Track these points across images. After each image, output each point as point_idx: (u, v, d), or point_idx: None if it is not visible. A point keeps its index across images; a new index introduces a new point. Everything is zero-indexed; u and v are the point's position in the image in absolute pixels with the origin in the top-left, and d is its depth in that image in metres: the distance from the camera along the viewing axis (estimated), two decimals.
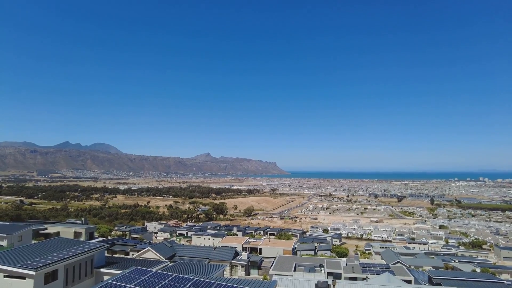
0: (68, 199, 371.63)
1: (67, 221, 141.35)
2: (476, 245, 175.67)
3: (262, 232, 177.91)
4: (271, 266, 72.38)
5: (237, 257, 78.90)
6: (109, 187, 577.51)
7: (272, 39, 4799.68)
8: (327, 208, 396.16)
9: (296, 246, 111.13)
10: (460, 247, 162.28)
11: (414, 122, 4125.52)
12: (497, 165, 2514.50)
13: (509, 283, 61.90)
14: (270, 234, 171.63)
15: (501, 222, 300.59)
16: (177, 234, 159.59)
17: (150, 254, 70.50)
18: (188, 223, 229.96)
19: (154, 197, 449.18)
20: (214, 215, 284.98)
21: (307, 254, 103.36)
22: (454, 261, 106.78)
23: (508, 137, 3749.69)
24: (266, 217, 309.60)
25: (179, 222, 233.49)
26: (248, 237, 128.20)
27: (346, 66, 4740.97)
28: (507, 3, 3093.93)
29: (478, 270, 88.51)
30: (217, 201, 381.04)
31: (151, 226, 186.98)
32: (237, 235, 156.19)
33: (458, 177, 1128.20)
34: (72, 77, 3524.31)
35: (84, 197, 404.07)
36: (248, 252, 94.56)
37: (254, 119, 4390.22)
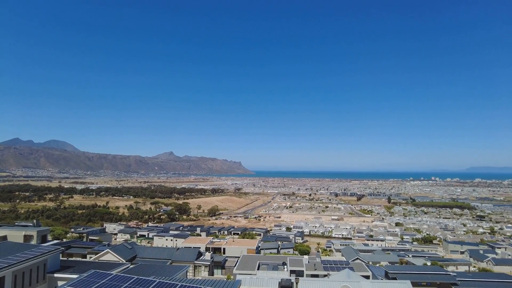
0: (17, 200, 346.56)
1: (16, 223, 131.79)
2: (428, 240, 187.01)
3: (226, 232, 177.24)
4: (235, 265, 72.30)
5: (201, 258, 77.95)
6: (65, 186, 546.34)
7: (239, 44, 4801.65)
8: (290, 207, 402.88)
9: (260, 245, 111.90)
10: (414, 243, 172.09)
11: (372, 126, 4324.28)
12: (447, 165, 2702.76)
13: (455, 274, 67.02)
14: (234, 234, 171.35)
15: (449, 218, 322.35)
16: (138, 235, 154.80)
17: (110, 256, 67.70)
18: (150, 224, 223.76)
19: (114, 197, 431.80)
20: (177, 216, 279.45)
21: (271, 253, 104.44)
22: (408, 256, 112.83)
23: (456, 140, 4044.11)
24: (231, 216, 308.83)
25: (140, 223, 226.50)
26: (212, 237, 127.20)
27: (309, 70, 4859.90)
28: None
29: (428, 263, 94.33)
30: (180, 201, 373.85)
31: (110, 227, 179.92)
32: (200, 235, 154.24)
33: (413, 177, 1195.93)
34: (23, 71, 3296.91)
35: (36, 198, 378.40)
36: (211, 252, 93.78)
37: (219, 119, 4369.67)
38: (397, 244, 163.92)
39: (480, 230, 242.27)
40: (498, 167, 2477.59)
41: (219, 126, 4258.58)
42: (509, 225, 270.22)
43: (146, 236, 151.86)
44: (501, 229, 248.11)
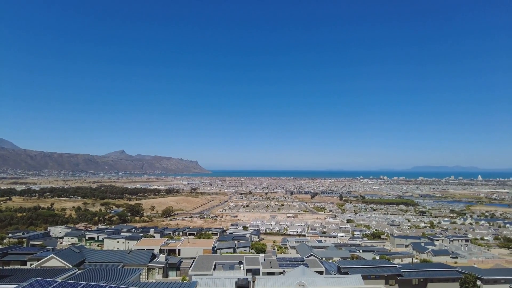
0: None
1: None
2: (376, 235, 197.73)
3: (181, 233, 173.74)
4: (191, 266, 70.97)
5: (155, 260, 75.43)
6: (1, 187, 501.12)
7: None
8: (247, 206, 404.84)
9: (216, 245, 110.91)
10: (364, 238, 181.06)
11: (325, 128, 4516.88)
12: (394, 165, 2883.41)
13: (400, 266, 71.92)
14: (189, 234, 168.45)
15: (396, 214, 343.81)
16: (87, 238, 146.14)
17: (54, 262, 63.04)
18: (100, 226, 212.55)
19: (60, 198, 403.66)
20: (129, 217, 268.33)
21: (227, 252, 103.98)
22: (359, 251, 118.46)
23: (402, 142, 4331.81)
24: (186, 217, 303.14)
25: (89, 225, 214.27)
26: (166, 239, 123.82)
27: (260, 66, 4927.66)
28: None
29: (377, 257, 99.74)
30: (133, 202, 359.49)
31: (55, 230, 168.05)
32: (154, 237, 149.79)
33: (363, 176, 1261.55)
34: None
35: None
36: (166, 254, 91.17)
37: (173, 117, 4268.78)
38: (349, 240, 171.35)
39: (422, 224, 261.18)
40: (437, 166, 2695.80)
41: (174, 124, 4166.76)
42: (446, 219, 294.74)
43: (96, 239, 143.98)
44: (439, 223, 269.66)
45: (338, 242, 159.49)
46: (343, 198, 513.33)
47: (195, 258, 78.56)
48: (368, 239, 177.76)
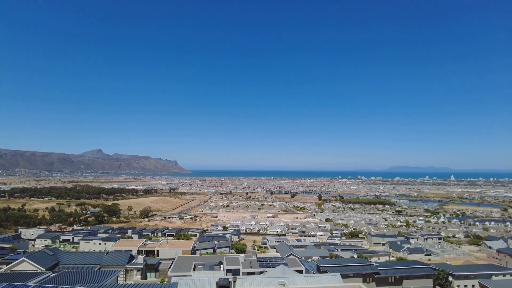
0: None
1: None
2: (355, 234, 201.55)
3: (160, 234, 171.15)
4: (170, 267, 70.01)
5: (133, 261, 73.90)
6: None
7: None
8: (228, 206, 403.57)
9: (195, 245, 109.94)
10: (342, 237, 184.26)
11: (305, 129, 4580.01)
12: (372, 165, 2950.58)
13: (377, 264, 73.54)
14: (168, 235, 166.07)
15: (373, 213, 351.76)
16: (61, 240, 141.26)
17: (26, 265, 60.59)
18: (75, 227, 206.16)
19: (32, 198, 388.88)
20: (105, 218, 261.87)
21: (207, 253, 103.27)
22: (338, 249, 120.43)
23: (379, 142, 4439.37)
24: (165, 217, 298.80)
25: (63, 227, 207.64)
26: (145, 240, 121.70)
27: (245, 67, 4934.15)
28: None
29: (355, 256, 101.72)
30: (110, 203, 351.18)
31: (27, 232, 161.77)
32: (132, 238, 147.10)
33: (341, 176, 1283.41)
34: None
35: None
36: (144, 255, 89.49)
37: (152, 115, 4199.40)
38: (328, 239, 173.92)
39: (398, 223, 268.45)
40: (413, 166, 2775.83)
41: (153, 123, 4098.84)
42: (421, 218, 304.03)
43: (71, 241, 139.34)
44: (414, 222, 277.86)
45: (317, 241, 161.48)
46: (322, 198, 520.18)
47: (174, 259, 77.59)
48: (347, 238, 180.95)
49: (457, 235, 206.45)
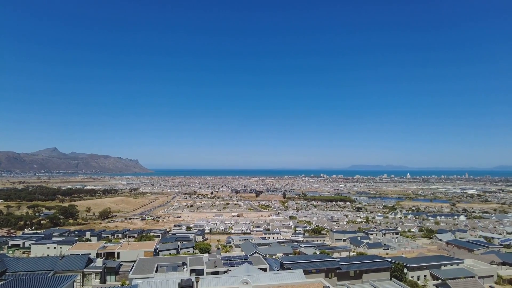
0: None
1: None
2: (317, 231, 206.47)
3: (120, 235, 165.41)
4: (131, 270, 67.77)
5: (91, 265, 70.63)
6: None
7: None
8: (192, 206, 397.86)
9: (158, 246, 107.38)
10: (305, 234, 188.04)
11: (268, 129, 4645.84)
12: (333, 164, 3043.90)
13: (338, 259, 75.96)
14: (129, 237, 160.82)
15: (335, 210, 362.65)
16: (10, 245, 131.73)
17: None
18: (26, 231, 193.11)
19: None
20: (61, 220, 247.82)
21: (170, 254, 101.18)
22: (301, 246, 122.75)
23: (339, 141, 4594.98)
24: (126, 218, 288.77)
25: (12, 231, 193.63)
26: (104, 242, 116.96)
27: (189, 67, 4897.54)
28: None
29: (318, 252, 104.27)
30: (66, 204, 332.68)
31: None
32: (90, 240, 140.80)
33: (305, 174, 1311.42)
34: None
35: None
36: (104, 258, 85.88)
37: (111, 112, 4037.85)
38: (291, 236, 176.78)
39: (358, 219, 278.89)
40: (372, 165, 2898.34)
41: (112, 121, 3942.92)
42: (379, 214, 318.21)
43: (21, 246, 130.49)
44: (373, 218, 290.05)
45: (281, 239, 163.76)
46: (286, 196, 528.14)
47: (135, 261, 75.25)
48: (309, 235, 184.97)
49: (412, 230, 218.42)
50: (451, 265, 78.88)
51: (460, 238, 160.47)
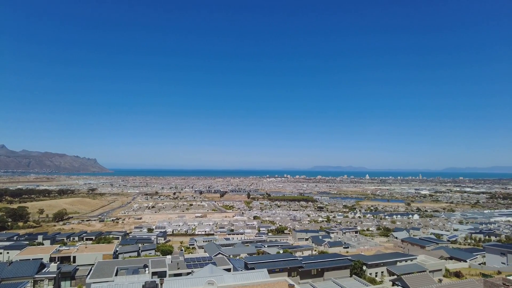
0: None
1: None
2: (280, 230, 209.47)
3: (77, 238, 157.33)
4: (88, 274, 64.66)
5: (44, 270, 66.38)
6: None
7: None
8: (153, 207, 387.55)
9: (118, 249, 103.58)
10: (269, 234, 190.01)
11: (236, 129, 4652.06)
12: (297, 164, 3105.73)
13: (301, 258, 77.51)
14: (87, 239, 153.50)
15: (298, 210, 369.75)
16: None
17: None
18: None
19: None
20: (9, 223, 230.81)
21: (130, 256, 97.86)
22: (264, 246, 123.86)
23: (302, 142, 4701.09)
24: (83, 220, 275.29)
25: None
26: (59, 245, 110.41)
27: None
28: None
29: (281, 251, 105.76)
30: (15, 205, 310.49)
31: None
32: (43, 244, 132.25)
33: (269, 174, 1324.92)
34: None
35: None
36: (58, 262, 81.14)
37: (66, 107, 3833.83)
38: (255, 236, 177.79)
39: (320, 219, 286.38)
40: (334, 166, 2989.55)
41: (68, 117, 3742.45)
42: (340, 213, 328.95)
43: None
44: (334, 217, 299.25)
45: (245, 239, 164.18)
46: (251, 196, 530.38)
47: (93, 264, 71.91)
48: (273, 235, 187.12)
49: (370, 228, 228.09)
50: (406, 261, 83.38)
51: (414, 235, 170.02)
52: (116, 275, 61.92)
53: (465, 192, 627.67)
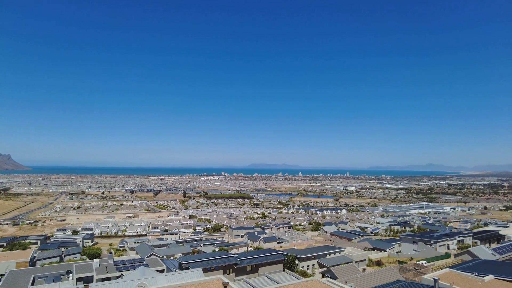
0: None
1: None
2: (217, 228, 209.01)
3: None
4: None
5: None
6: None
7: None
8: (79, 207, 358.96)
9: (36, 255, 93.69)
10: (205, 232, 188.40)
11: (169, 127, 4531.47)
12: (234, 162, 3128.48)
13: (237, 255, 78.10)
14: None
15: (234, 207, 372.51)
16: None
17: None
18: None
19: None
20: None
21: (51, 262, 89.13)
22: (200, 245, 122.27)
23: (240, 140, 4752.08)
24: None
25: None
26: None
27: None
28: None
29: (217, 249, 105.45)
30: None
31: None
32: None
33: (206, 172, 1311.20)
34: None
35: None
36: None
37: None
38: (191, 235, 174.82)
39: (256, 215, 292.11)
40: (270, 164, 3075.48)
41: None
42: (274, 209, 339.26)
43: None
44: (269, 213, 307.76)
45: (180, 239, 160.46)
46: (187, 195, 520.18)
47: (4, 275, 63.98)
48: (209, 233, 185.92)
49: (303, 223, 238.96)
50: (335, 254, 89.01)
51: (342, 229, 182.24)
52: (32, 284, 55.91)
53: (387, 188, 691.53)
